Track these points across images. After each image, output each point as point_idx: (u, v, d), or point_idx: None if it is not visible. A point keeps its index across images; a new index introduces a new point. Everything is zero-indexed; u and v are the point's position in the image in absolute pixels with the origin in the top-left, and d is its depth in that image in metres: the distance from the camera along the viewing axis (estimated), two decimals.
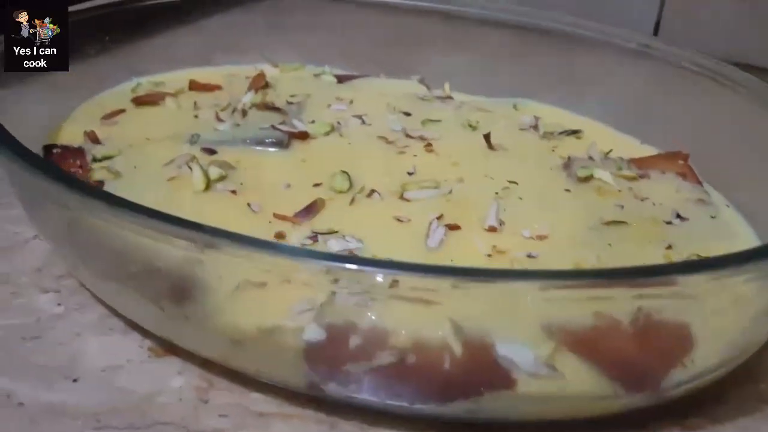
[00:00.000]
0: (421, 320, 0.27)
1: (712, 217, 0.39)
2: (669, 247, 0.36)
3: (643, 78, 0.48)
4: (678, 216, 0.39)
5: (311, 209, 0.37)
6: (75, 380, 0.31)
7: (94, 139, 0.43)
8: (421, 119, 0.48)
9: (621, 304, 0.27)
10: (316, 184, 0.40)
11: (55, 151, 0.41)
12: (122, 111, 0.46)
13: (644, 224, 0.38)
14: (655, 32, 0.73)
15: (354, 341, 0.28)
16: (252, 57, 0.55)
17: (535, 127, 0.47)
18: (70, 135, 0.43)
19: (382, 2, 0.56)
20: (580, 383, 0.28)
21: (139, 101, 0.48)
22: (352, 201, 0.38)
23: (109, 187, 0.38)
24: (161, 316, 0.31)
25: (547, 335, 0.27)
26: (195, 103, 0.48)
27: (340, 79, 0.54)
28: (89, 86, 0.48)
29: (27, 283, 0.36)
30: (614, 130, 0.48)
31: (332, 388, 0.29)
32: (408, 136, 0.45)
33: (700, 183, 0.42)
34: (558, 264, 0.34)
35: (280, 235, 0.35)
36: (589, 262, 0.34)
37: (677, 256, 0.36)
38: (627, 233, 0.37)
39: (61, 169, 0.33)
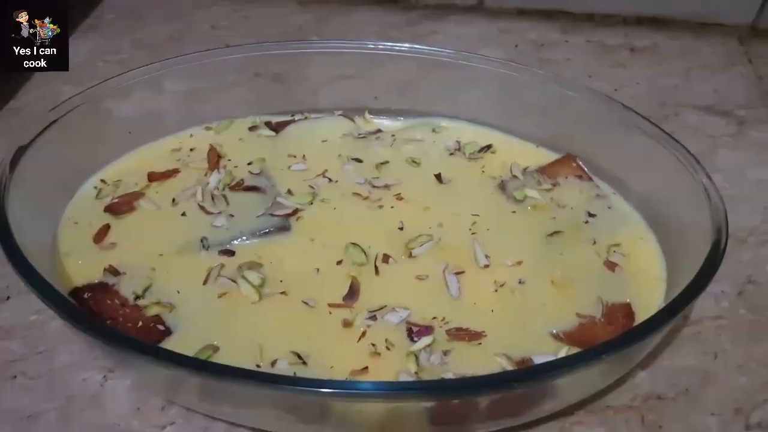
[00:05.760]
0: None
1: (608, 207, 0.54)
2: (594, 242, 0.51)
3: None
4: (589, 214, 0.53)
5: (354, 291, 0.45)
6: None
7: (113, 271, 0.44)
8: (372, 164, 0.56)
9: None
10: (339, 262, 0.47)
11: (86, 296, 0.43)
12: (107, 227, 0.47)
13: (573, 229, 0.52)
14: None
15: None
16: None
17: (459, 149, 0.58)
18: (77, 271, 0.45)
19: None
20: None
21: (114, 211, 0.48)
22: (377, 272, 0.47)
23: (170, 321, 0.42)
24: None
25: None
26: (173, 200, 0.50)
27: (275, 129, 0.58)
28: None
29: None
30: (515, 138, 0.60)
31: None
32: (374, 186, 0.54)
33: (591, 179, 0.57)
34: (541, 285, 0.47)
35: (347, 323, 0.43)
36: (558, 275, 0.48)
37: (602, 248, 0.51)
38: (565, 240, 0.51)
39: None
